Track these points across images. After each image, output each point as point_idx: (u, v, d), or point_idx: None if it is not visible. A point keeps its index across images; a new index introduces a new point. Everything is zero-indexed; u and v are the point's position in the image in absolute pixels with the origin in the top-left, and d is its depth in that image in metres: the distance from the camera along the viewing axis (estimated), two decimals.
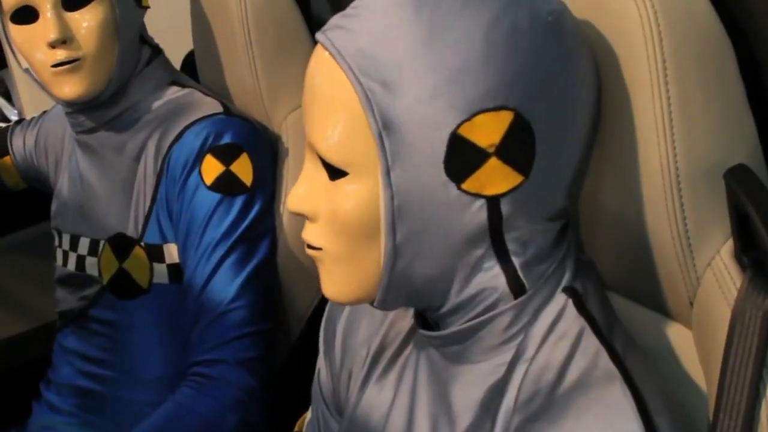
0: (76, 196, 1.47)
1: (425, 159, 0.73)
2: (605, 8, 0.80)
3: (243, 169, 1.34)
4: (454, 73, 0.71)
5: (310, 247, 0.82)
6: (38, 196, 1.69)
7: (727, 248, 0.81)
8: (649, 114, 0.79)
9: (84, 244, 1.44)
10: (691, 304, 0.84)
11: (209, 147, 1.32)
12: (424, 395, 0.87)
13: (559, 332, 0.77)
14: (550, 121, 0.74)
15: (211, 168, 1.32)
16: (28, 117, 1.70)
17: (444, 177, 0.73)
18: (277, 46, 1.43)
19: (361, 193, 0.76)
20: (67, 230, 1.48)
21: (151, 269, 1.37)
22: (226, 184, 1.32)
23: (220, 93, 1.49)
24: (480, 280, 0.78)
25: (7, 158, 1.65)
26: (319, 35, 0.77)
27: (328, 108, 0.76)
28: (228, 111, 1.37)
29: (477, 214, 0.75)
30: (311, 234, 0.80)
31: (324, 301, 1.39)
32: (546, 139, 0.74)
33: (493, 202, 0.74)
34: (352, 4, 0.78)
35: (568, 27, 0.76)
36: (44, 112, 1.65)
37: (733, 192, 0.77)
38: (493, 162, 0.72)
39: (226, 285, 1.31)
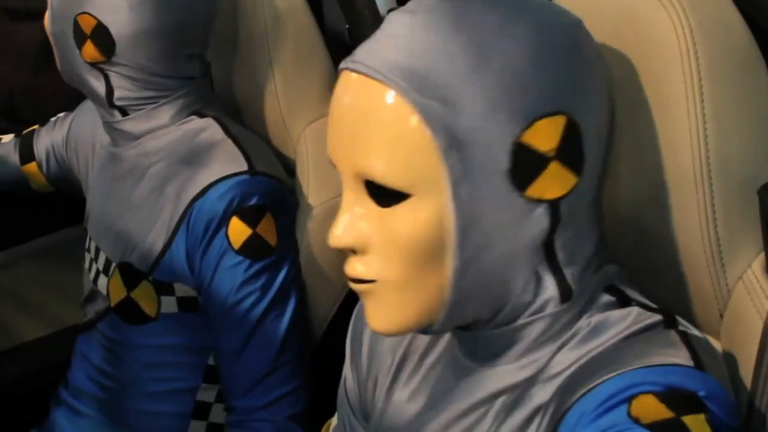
0: (102, 207, 1.47)
1: (490, 171, 0.74)
2: (641, 24, 0.82)
3: (268, 229, 1.33)
4: (508, 86, 0.74)
5: (359, 281, 0.80)
6: (66, 201, 1.69)
7: (758, 262, 0.82)
8: (684, 129, 0.80)
9: (102, 260, 1.44)
10: (721, 316, 0.85)
11: (236, 209, 1.31)
12: (451, 398, 0.88)
13: (609, 320, 0.80)
14: (589, 121, 0.77)
15: (238, 231, 1.31)
16: None
17: (508, 187, 0.75)
18: (295, 58, 1.44)
19: (425, 215, 0.75)
20: (94, 238, 1.48)
21: (159, 301, 1.37)
22: (254, 248, 1.32)
23: (237, 105, 1.49)
24: (534, 291, 0.80)
25: (32, 163, 1.64)
26: (350, 63, 0.78)
27: (380, 134, 0.75)
28: (252, 169, 1.34)
29: (539, 220, 0.77)
30: (362, 267, 0.79)
31: (342, 310, 1.41)
32: (589, 138, 0.77)
33: (554, 206, 0.77)
34: (381, 30, 0.79)
35: (587, 36, 0.79)
36: (67, 113, 1.63)
37: (767, 207, 0.79)
38: (554, 166, 0.75)
39: (265, 346, 1.32)
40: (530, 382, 0.81)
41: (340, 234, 0.78)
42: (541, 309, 0.80)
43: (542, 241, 0.78)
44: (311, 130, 1.45)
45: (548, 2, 0.80)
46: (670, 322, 0.79)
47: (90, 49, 1.33)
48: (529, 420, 0.80)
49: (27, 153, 1.64)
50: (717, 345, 0.87)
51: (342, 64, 0.79)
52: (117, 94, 1.37)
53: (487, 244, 0.76)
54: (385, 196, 0.76)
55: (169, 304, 1.37)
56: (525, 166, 0.74)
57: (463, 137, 0.74)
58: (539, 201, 0.76)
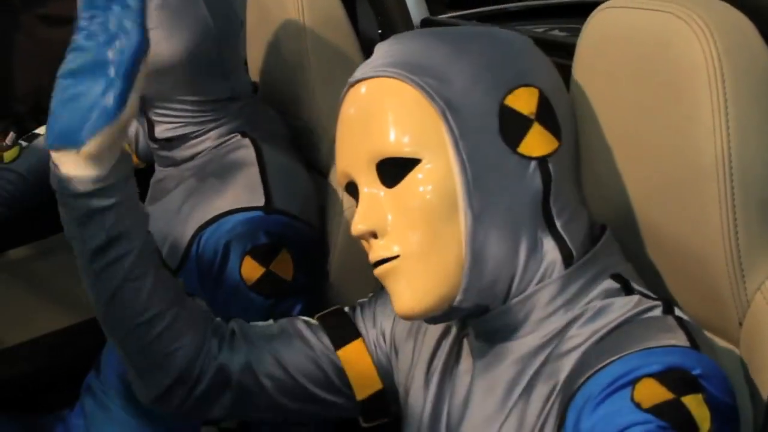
0: (151, 203, 1.48)
1: (485, 132, 0.87)
2: (672, 48, 0.86)
3: (283, 266, 1.32)
4: (485, 66, 0.89)
5: (382, 262, 0.89)
6: None
7: None
8: (709, 145, 0.84)
9: None
10: (740, 324, 0.88)
11: (247, 249, 1.29)
12: (478, 386, 0.93)
13: (614, 304, 0.86)
14: (559, 105, 0.91)
15: (252, 270, 1.30)
16: None
17: (502, 145, 0.88)
18: (332, 63, 1.47)
19: (434, 175, 0.87)
20: None
21: None
22: (268, 286, 1.31)
23: (275, 106, 1.53)
24: (539, 258, 0.88)
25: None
26: (353, 78, 0.92)
27: (389, 114, 0.88)
28: (269, 205, 1.32)
29: (533, 177, 0.88)
30: (383, 247, 0.89)
31: None
32: (561, 117, 0.91)
33: (543, 163, 0.89)
34: (376, 48, 0.94)
35: (537, 49, 0.95)
36: None
37: None
38: (537, 127, 0.88)
39: None
40: (547, 360, 0.87)
41: (361, 222, 0.89)
42: (548, 274, 0.88)
43: (539, 201, 0.89)
44: None
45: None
46: (667, 309, 0.85)
47: None
48: (547, 399, 0.86)
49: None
50: (736, 352, 0.91)
51: (346, 87, 0.93)
52: (157, 129, 1.38)
53: (492, 199, 0.87)
54: (396, 170, 0.88)
55: None
56: (513, 125, 0.88)
57: (457, 103, 0.87)
58: (530, 158, 0.88)
